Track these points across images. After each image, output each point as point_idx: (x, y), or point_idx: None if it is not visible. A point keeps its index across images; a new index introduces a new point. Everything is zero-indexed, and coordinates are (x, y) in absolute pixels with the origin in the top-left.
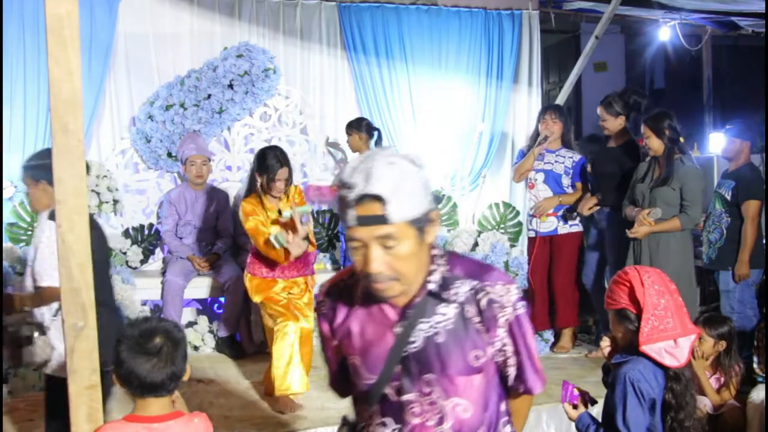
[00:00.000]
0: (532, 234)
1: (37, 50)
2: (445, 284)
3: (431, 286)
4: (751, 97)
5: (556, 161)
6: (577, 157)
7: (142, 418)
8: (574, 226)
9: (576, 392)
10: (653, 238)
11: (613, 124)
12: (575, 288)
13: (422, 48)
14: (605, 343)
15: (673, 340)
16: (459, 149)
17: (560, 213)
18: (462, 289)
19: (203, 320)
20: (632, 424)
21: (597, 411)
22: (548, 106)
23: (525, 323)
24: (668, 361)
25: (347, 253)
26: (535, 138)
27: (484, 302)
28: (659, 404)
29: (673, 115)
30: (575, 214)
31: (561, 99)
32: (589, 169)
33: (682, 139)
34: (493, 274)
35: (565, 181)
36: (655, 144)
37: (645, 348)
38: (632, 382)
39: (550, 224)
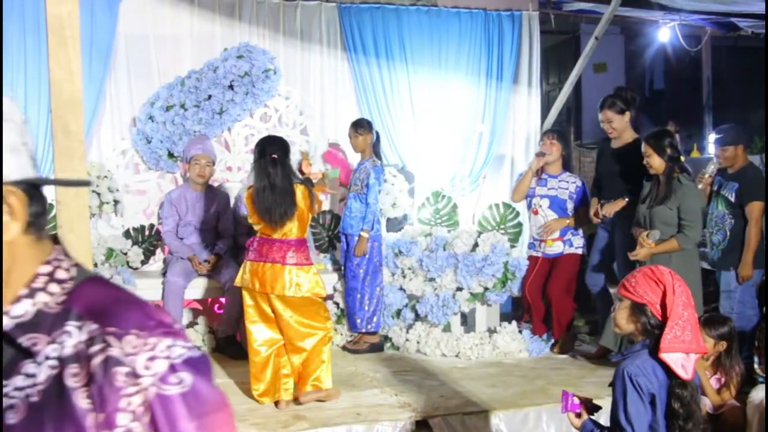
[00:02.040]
0: (539, 254)
1: (38, 50)
2: (42, 323)
3: (6, 323)
4: (751, 97)
5: (559, 186)
6: (579, 182)
7: None
8: (579, 249)
9: (576, 401)
10: (656, 259)
11: (621, 122)
12: (569, 299)
13: (422, 49)
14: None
15: (686, 354)
16: (459, 150)
17: (566, 237)
18: (73, 337)
19: (203, 320)
20: (634, 418)
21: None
22: (547, 130)
23: (184, 409)
24: (680, 372)
25: (348, 255)
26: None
27: (97, 362)
28: (660, 402)
29: (673, 133)
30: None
31: (561, 100)
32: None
33: (682, 158)
34: (130, 315)
35: (570, 206)
36: (656, 162)
37: (664, 356)
38: (630, 376)
39: (557, 248)
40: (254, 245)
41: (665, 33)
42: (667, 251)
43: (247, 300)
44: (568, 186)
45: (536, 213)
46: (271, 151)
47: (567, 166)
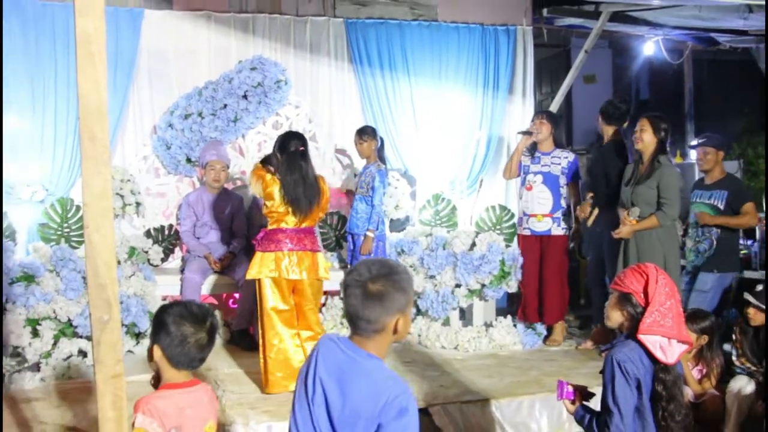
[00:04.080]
0: (527, 232)
1: (67, 64)
2: None
3: None
4: (730, 107)
5: (552, 163)
6: (572, 157)
7: (177, 385)
8: (565, 229)
9: (570, 389)
10: (639, 236)
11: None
12: (564, 285)
13: (423, 61)
14: None
15: (667, 339)
16: (458, 155)
17: (555, 214)
18: None
19: (219, 314)
20: (621, 401)
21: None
22: (537, 111)
23: None
24: (659, 355)
25: (354, 253)
26: (531, 149)
27: None
28: (646, 387)
29: (669, 122)
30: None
31: (553, 109)
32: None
33: (668, 148)
34: None
35: (563, 181)
36: (647, 138)
37: (642, 337)
38: (618, 362)
39: (546, 224)
40: (275, 236)
41: (650, 47)
42: (647, 228)
43: (269, 291)
44: (560, 161)
45: (530, 189)
46: (298, 144)
47: (558, 144)
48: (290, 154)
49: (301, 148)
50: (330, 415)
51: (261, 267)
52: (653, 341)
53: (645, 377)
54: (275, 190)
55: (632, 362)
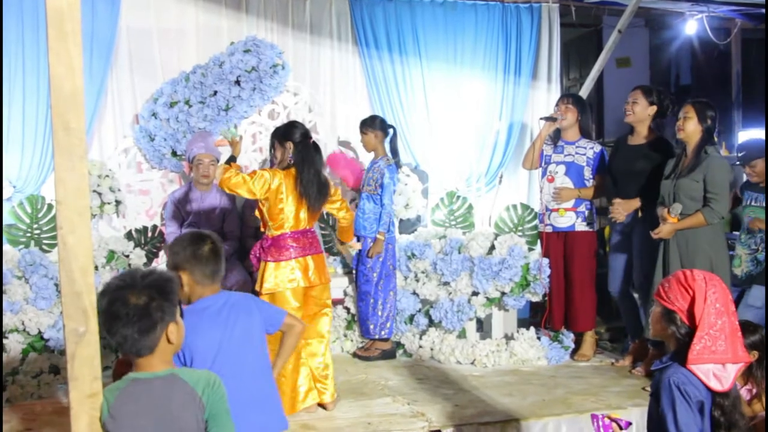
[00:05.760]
0: (549, 229)
1: (37, 45)
2: None
3: None
4: None
5: (576, 153)
6: (598, 148)
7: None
8: (592, 225)
9: (608, 421)
10: (681, 235)
11: (644, 110)
12: (593, 290)
13: (437, 43)
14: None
15: (722, 364)
16: (475, 148)
17: (579, 208)
18: None
19: None
20: (685, 428)
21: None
22: (563, 94)
23: None
24: (713, 384)
25: (359, 257)
26: (553, 137)
27: None
28: (708, 409)
29: (716, 110)
30: (611, 218)
31: (582, 96)
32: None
33: (715, 139)
34: None
35: (587, 173)
36: (691, 127)
37: (693, 367)
38: (677, 385)
39: (569, 219)
40: (284, 242)
41: (692, 25)
42: (691, 226)
43: (292, 302)
44: (585, 152)
45: (552, 180)
46: (308, 135)
47: (585, 134)
48: (302, 144)
49: (313, 141)
50: (248, 346)
51: (278, 278)
52: (705, 370)
53: (708, 399)
54: (283, 183)
55: (692, 384)
